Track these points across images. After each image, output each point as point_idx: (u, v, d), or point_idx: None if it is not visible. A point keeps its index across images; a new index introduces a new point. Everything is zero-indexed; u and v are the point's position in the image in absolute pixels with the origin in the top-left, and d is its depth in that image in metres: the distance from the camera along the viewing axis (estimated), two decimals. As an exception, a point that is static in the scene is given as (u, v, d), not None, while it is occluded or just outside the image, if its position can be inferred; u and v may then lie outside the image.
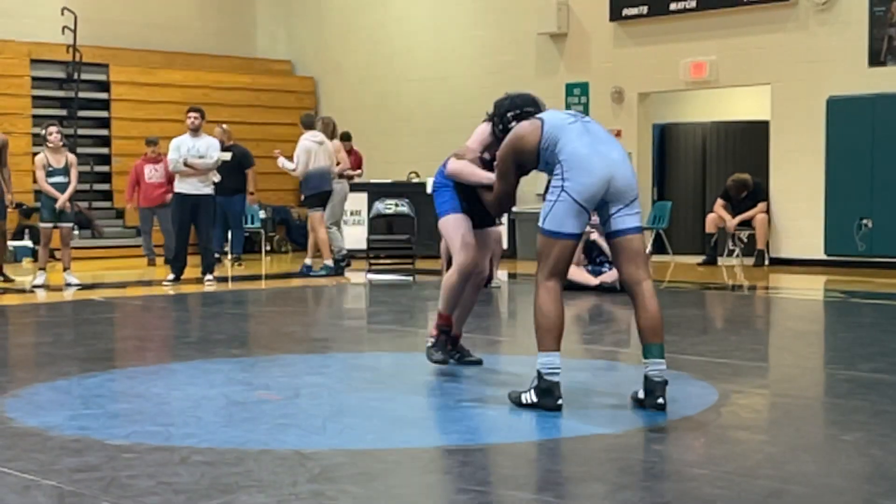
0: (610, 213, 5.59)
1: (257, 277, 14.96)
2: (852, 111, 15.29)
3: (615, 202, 5.57)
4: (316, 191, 14.15)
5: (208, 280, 13.20)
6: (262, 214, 18.53)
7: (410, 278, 13.64)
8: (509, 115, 6.18)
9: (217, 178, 13.74)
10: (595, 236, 12.21)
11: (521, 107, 6.17)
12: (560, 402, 5.46)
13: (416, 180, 18.59)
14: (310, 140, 14.25)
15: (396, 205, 14.19)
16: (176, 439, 4.95)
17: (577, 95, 18.34)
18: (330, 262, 14.24)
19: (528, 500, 4.05)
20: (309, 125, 14.70)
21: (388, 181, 18.26)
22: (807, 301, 12.07)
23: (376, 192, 16.87)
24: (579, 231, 5.59)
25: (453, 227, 6.77)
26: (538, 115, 5.88)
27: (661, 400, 5.44)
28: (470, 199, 6.72)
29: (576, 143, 5.57)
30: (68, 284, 12.91)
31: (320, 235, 14.24)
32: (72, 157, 13.39)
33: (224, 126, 16.83)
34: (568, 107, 18.39)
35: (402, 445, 4.89)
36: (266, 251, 18.68)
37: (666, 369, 5.54)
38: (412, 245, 14.05)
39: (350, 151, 18.85)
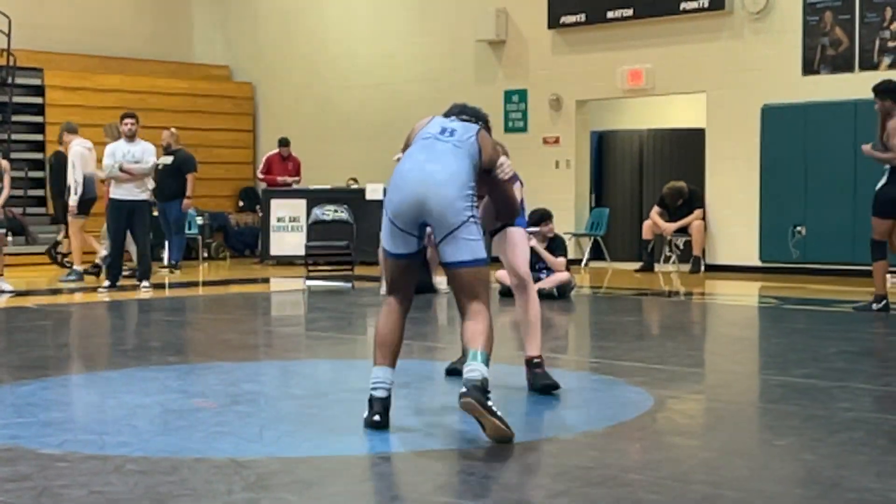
0: (436, 242, 5.31)
1: (194, 284, 14.85)
2: (786, 119, 15.49)
3: (437, 229, 5.27)
4: (86, 196, 14.31)
5: (144, 287, 13.08)
6: (199, 221, 18.41)
7: (349, 285, 13.60)
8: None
9: (152, 184, 13.63)
10: (533, 243, 12.24)
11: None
12: (376, 418, 5.23)
13: (354, 186, 18.56)
14: (81, 146, 14.49)
15: (335, 211, 14.16)
16: (110, 448, 4.90)
17: (516, 102, 18.42)
18: (80, 269, 14.50)
19: (465, 507, 4.06)
20: (72, 131, 14.95)
21: (327, 187, 18.21)
22: (741, 307, 12.20)
23: (315, 198, 16.83)
24: (403, 251, 5.35)
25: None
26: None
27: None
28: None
29: (405, 159, 5.44)
30: (1, 291, 12.74)
31: (75, 242, 14.56)
32: (4, 163, 13.23)
33: (172, 130, 16.78)
34: (507, 114, 18.48)
35: (338, 453, 4.88)
36: (203, 258, 18.55)
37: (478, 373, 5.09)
38: (351, 251, 14.01)
39: (288, 157, 18.82)
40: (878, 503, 4.02)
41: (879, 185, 10.73)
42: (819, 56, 15.47)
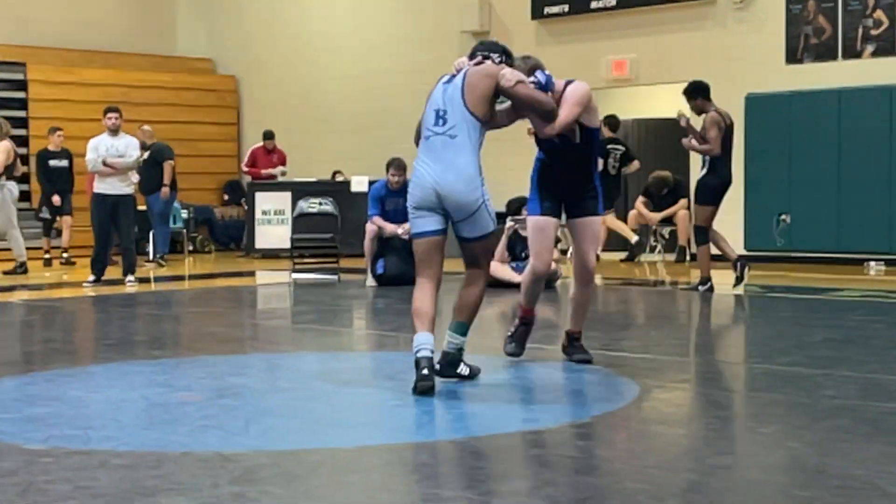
0: (453, 221, 6.16)
1: (180, 278, 14.82)
2: (770, 108, 15.51)
3: (455, 213, 6.12)
4: None
5: (129, 281, 13.05)
6: (184, 214, 18.36)
7: (335, 277, 13.59)
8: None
9: (136, 178, 13.59)
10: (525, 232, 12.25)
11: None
12: (425, 371, 5.85)
13: (339, 179, 18.54)
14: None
15: (320, 203, 14.12)
16: (95, 443, 4.89)
17: (500, 93, 18.37)
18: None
19: (452, 498, 4.06)
20: None
21: (312, 179, 18.19)
22: (726, 296, 12.22)
23: (300, 190, 16.80)
24: (430, 228, 6.14)
25: (531, 231, 6.81)
26: None
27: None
28: (561, 184, 6.69)
29: (417, 163, 6.19)
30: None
31: None
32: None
33: (145, 127, 16.67)
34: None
35: (324, 445, 4.87)
36: (188, 251, 18.51)
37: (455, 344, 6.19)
38: (336, 244, 13.99)
39: (273, 150, 18.79)
40: (863, 490, 4.04)
41: (701, 174, 11.53)
42: (802, 45, 15.50)
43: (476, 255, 6.21)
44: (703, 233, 11.48)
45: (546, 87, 6.34)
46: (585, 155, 6.64)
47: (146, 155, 16.27)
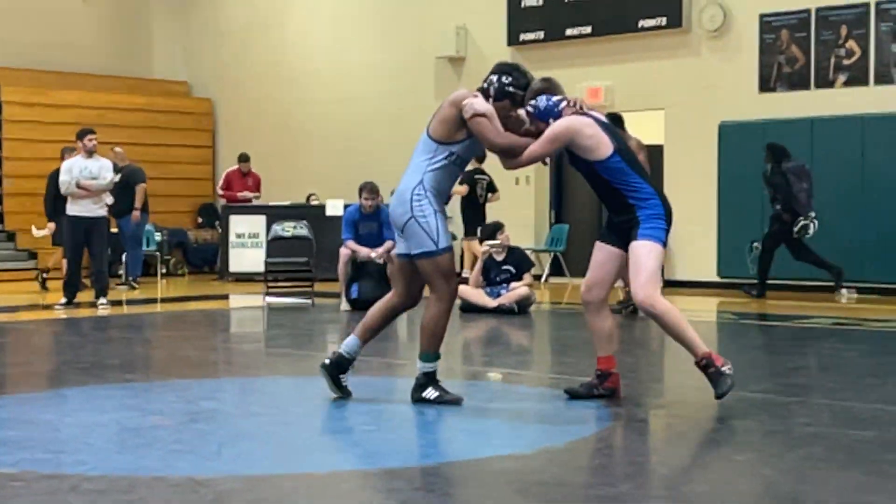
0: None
1: (153, 301, 14.75)
2: (743, 136, 15.61)
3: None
4: None
5: (102, 304, 12.98)
6: (157, 237, 18.30)
7: (309, 301, 13.55)
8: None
9: (110, 200, 13.54)
10: (498, 255, 12.26)
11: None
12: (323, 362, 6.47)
13: (315, 202, 18.52)
14: None
15: (295, 227, 14.09)
16: (66, 467, 4.85)
17: (476, 119, 18.43)
18: None
19: (425, 524, 4.04)
20: None
21: (287, 203, 18.16)
22: (700, 323, 12.24)
23: (274, 214, 16.78)
24: (398, 251, 6.44)
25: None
26: None
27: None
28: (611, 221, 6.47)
29: None
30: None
31: None
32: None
33: (117, 150, 16.62)
34: (466, 130, 18.52)
35: (298, 471, 4.85)
36: (162, 274, 18.43)
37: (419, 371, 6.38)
38: (311, 268, 13.96)
39: (248, 173, 18.75)
40: (837, 518, 4.04)
41: None
42: (775, 73, 15.62)
43: (425, 273, 6.27)
44: None
45: (545, 114, 6.26)
46: (597, 184, 6.34)
47: (118, 177, 16.23)
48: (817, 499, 4.32)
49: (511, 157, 6.31)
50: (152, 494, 4.40)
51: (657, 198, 6.30)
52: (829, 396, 6.63)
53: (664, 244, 6.32)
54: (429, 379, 6.31)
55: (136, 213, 16.23)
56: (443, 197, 6.39)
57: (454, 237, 15.25)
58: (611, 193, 6.32)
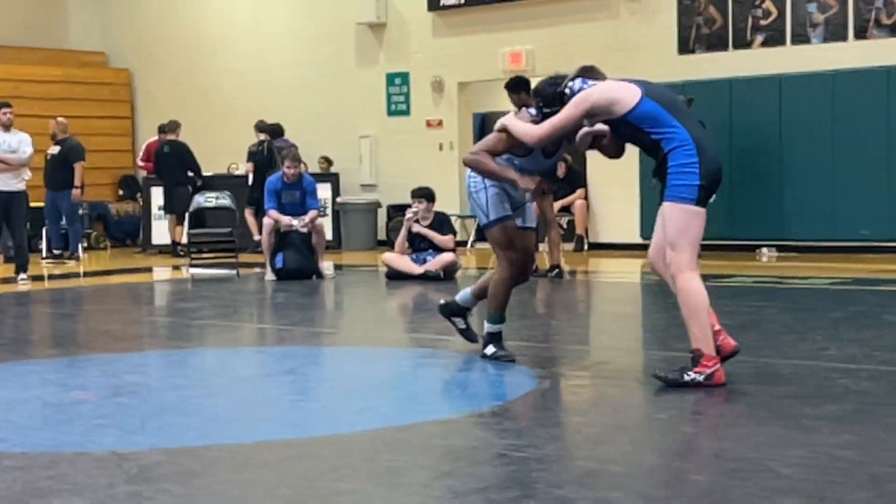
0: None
1: (75, 275, 14.56)
2: (664, 98, 15.68)
3: None
4: None
5: (22, 279, 12.78)
6: (79, 210, 18.04)
7: (233, 272, 13.45)
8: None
9: (28, 175, 13.32)
10: (416, 228, 12.26)
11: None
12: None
13: (237, 172, 18.37)
14: None
15: (217, 198, 13.97)
16: (-14, 445, 4.78)
17: (398, 85, 18.39)
18: None
19: (351, 491, 4.05)
20: None
21: (209, 174, 17.98)
22: (624, 284, 12.38)
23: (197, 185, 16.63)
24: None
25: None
26: None
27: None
28: None
29: None
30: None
31: None
32: None
33: (59, 119, 16.48)
34: (389, 97, 18.48)
35: (223, 442, 4.82)
36: (83, 248, 18.18)
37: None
38: (234, 238, 13.86)
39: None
40: (758, 472, 4.11)
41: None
42: (694, 35, 15.73)
43: (490, 243, 6.84)
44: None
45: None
46: (641, 140, 5.98)
47: (56, 150, 16.09)
48: (738, 454, 4.38)
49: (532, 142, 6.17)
50: (74, 469, 4.36)
51: (691, 143, 5.79)
52: (750, 354, 6.72)
53: (696, 201, 5.79)
54: (491, 338, 6.65)
55: (76, 192, 16.08)
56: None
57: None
58: (656, 149, 5.86)
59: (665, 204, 5.85)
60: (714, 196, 6.03)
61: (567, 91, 6.08)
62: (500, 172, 6.35)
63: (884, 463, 4.20)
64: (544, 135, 6.03)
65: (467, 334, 7.06)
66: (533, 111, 6.32)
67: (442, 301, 7.18)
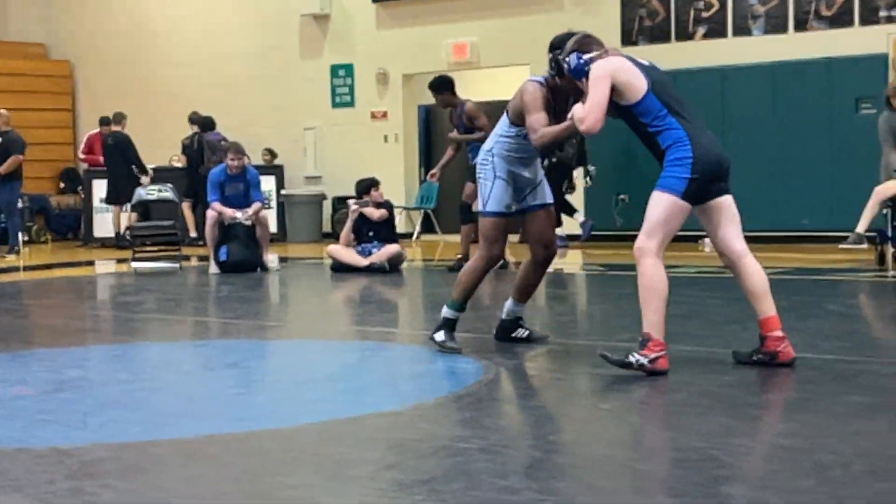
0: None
1: (14, 269, 14.38)
2: (608, 90, 15.74)
3: None
4: None
5: (-39, 274, 12.62)
6: (19, 204, 17.82)
7: (177, 265, 13.34)
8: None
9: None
10: (367, 210, 12.19)
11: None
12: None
13: (178, 165, 18.24)
14: None
15: (160, 190, 13.85)
16: (-76, 442, 4.70)
17: (343, 77, 18.34)
18: None
19: (298, 485, 4.03)
20: None
21: (151, 166, 17.83)
22: (567, 275, 12.41)
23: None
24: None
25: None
26: None
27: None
28: None
29: None
30: None
31: None
32: None
33: (2, 111, 16.27)
34: (333, 89, 18.42)
35: (168, 436, 4.78)
36: (24, 241, 17.96)
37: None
38: (177, 231, 13.74)
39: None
40: (702, 461, 4.13)
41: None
42: (637, 27, 15.82)
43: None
44: (469, 211, 11.72)
45: (576, 73, 6.08)
46: (640, 132, 6.19)
47: None
48: (683, 444, 4.41)
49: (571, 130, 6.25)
50: (15, 466, 4.30)
51: (687, 141, 5.94)
52: (695, 343, 6.77)
53: (682, 194, 5.83)
54: (446, 323, 6.63)
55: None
56: (523, 162, 6.60)
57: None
58: (651, 141, 6.05)
59: (654, 192, 5.92)
60: (725, 187, 6.20)
61: (566, 67, 6.15)
62: (564, 130, 6.33)
63: (827, 451, 4.24)
64: (597, 115, 6.01)
65: (534, 337, 6.97)
66: (540, 78, 6.51)
67: (494, 331, 7.05)
